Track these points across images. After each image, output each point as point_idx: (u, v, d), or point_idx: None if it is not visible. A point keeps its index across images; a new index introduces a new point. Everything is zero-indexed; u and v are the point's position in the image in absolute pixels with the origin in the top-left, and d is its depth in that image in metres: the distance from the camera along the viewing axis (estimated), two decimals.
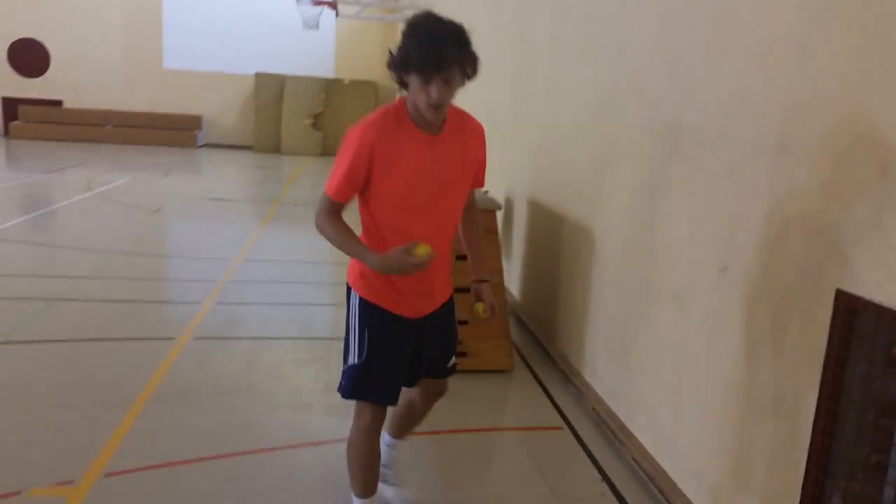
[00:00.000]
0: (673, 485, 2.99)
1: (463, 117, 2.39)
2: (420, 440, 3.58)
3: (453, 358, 2.63)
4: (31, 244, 7.46)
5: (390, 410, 2.57)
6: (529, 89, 5.65)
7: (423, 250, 2.13)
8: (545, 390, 4.23)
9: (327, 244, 2.33)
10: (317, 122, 20.60)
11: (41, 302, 5.31)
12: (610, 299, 3.80)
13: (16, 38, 20.61)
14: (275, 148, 20.53)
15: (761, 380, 2.45)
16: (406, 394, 2.63)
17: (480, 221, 2.70)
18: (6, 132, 20.67)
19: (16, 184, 11.64)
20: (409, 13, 13.82)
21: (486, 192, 4.73)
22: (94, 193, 10.68)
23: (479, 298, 2.56)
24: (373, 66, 21.53)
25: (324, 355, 4.57)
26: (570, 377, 4.26)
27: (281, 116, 20.49)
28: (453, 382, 4.24)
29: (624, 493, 3.12)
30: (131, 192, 11.11)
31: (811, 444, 2.15)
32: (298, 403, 3.89)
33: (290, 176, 15.20)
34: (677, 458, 3.02)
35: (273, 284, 6.33)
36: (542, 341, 4.88)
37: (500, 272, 4.36)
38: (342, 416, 3.84)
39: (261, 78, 20.51)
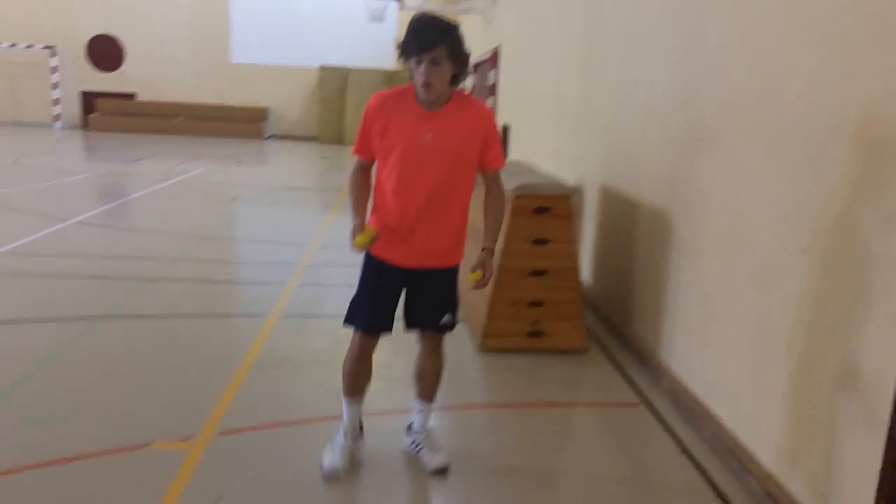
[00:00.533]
0: (752, 456, 3.10)
1: (469, 102, 2.74)
2: (500, 413, 3.78)
3: (448, 317, 2.95)
4: (121, 229, 7.94)
5: (412, 376, 3.12)
6: (602, 78, 5.75)
7: (361, 238, 2.62)
8: (620, 369, 4.36)
9: None
10: None
11: (138, 282, 5.69)
12: (688, 281, 3.91)
13: (93, 35, 21.56)
14: (338, 139, 21.01)
15: (841, 355, 2.55)
16: (417, 360, 3.09)
17: (502, 203, 2.90)
18: (85, 124, 21.69)
19: (100, 173, 12.27)
20: (471, 4, 13.98)
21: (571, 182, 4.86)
22: (173, 182, 11.21)
23: (477, 266, 2.76)
24: None
25: (402, 335, 4.79)
26: (645, 357, 4.39)
27: (344, 108, 20.94)
28: (529, 360, 4.46)
29: (703, 464, 3.24)
30: (207, 181, 11.61)
31: (892, 415, 2.25)
32: (384, 375, 4.11)
33: None
34: (756, 431, 3.13)
35: (350, 268, 6.59)
36: (615, 324, 5.01)
37: (575, 257, 4.49)
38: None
39: (325, 71, 20.99)
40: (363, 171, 2.84)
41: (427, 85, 2.54)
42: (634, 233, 4.75)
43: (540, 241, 4.40)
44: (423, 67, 2.51)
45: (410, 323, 2.97)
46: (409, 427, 3.20)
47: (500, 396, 4.01)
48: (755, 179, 3.22)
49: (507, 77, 11.66)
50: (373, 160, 2.80)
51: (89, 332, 4.54)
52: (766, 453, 3.02)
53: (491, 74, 12.47)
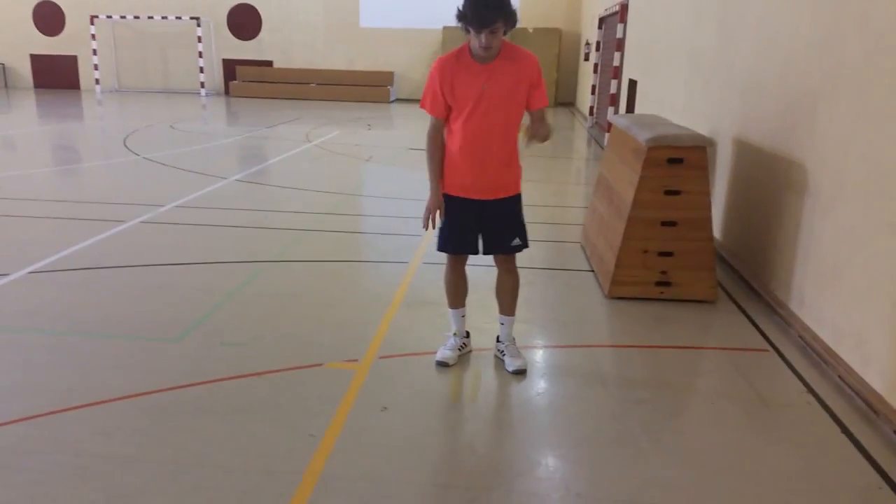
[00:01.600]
0: (881, 398, 3.22)
1: (516, 51, 3.21)
2: (628, 352, 4.05)
3: (516, 240, 3.48)
4: (274, 186, 8.70)
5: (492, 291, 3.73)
6: (740, 26, 5.72)
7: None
8: (749, 319, 4.49)
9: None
10: None
11: (296, 231, 6.34)
12: (821, 231, 3.98)
13: (233, 5, 22.86)
14: None
15: None
16: (497, 280, 3.69)
17: (548, 128, 3.40)
18: (227, 91, 23.19)
19: (246, 136, 13.28)
20: None
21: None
22: (313, 144, 12.00)
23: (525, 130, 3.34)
24: (556, 13, 21.56)
25: (536, 280, 5.13)
26: (774, 307, 4.49)
27: None
28: (657, 308, 4.67)
29: (830, 404, 3.39)
30: (343, 143, 12.32)
31: None
32: (519, 317, 4.47)
33: None
34: (885, 375, 3.23)
35: None
36: (745, 276, 5.10)
37: (708, 207, 4.62)
38: (554, 328, 4.41)
39: (448, 31, 21.26)
40: (437, 132, 3.36)
41: (487, 48, 3.07)
42: (768, 185, 4.80)
43: (672, 192, 4.57)
44: (483, 38, 3.03)
45: (487, 249, 3.52)
46: (497, 338, 3.80)
47: (627, 338, 4.27)
48: (893, 127, 3.26)
49: (635, 31, 11.52)
50: (445, 118, 3.31)
51: (262, 273, 5.18)
52: None
53: (619, 28, 12.34)
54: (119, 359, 3.70)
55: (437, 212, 3.41)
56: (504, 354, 3.72)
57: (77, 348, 3.82)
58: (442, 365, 3.64)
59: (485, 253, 3.53)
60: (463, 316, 3.75)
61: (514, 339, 3.77)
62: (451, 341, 3.74)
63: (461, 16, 3.05)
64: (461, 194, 3.39)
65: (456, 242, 3.52)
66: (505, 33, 3.12)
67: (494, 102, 3.19)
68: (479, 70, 3.17)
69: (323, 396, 3.33)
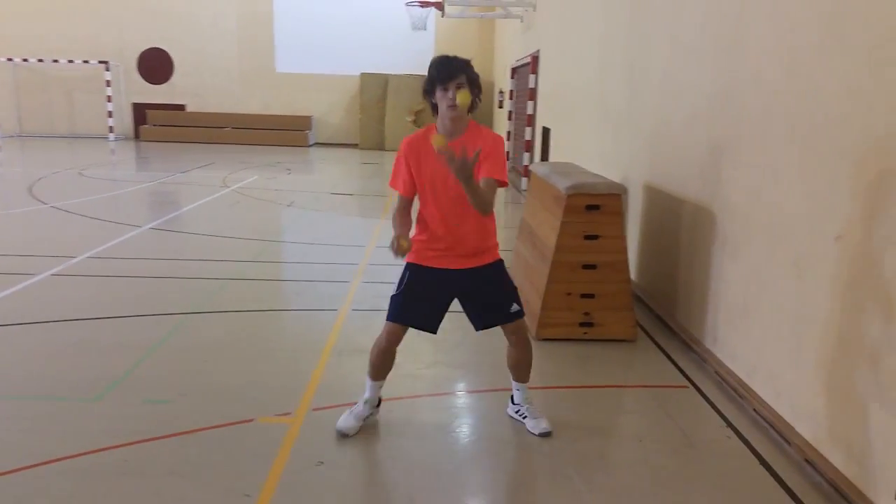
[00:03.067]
0: (792, 429, 3.43)
1: (482, 130, 3.21)
2: (556, 393, 4.16)
3: (514, 306, 3.37)
4: (191, 234, 8.50)
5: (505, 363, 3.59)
6: (645, 81, 6.09)
7: (404, 243, 3.04)
8: (668, 356, 4.70)
9: None
10: (418, 118, 21.44)
11: (218, 281, 6.21)
12: (730, 272, 4.24)
13: (144, 48, 22.42)
14: (379, 145, 21.53)
15: (875, 333, 2.88)
16: (508, 352, 3.54)
17: (489, 200, 3.12)
18: (137, 135, 22.57)
19: (159, 182, 12.94)
20: (511, 9, 14.29)
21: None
22: (231, 190, 11.81)
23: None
24: (471, 61, 22.16)
25: (466, 324, 5.20)
26: (690, 345, 4.72)
27: (384, 114, 21.46)
28: (581, 348, 4.80)
29: (748, 437, 3.58)
30: (262, 188, 12.19)
31: None
32: (454, 361, 4.54)
33: None
34: (795, 406, 3.46)
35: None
36: (661, 315, 5.35)
37: (624, 251, 4.84)
38: (489, 371, 4.50)
39: (366, 77, 21.54)
40: (405, 210, 3.27)
41: (453, 107, 3.04)
42: (678, 228, 5.08)
43: (591, 237, 4.77)
44: (450, 92, 3.03)
45: (485, 324, 3.41)
46: (512, 399, 3.67)
47: (556, 379, 4.38)
48: (793, 175, 3.55)
49: (546, 81, 12.01)
50: (413, 196, 3.26)
51: (184, 325, 5.04)
52: (806, 425, 3.35)
53: (531, 78, 12.82)
54: (35, 421, 3.51)
55: (400, 241, 3.06)
56: (525, 417, 3.57)
57: None
58: (342, 436, 3.40)
59: (485, 327, 3.42)
60: (380, 386, 3.54)
61: (531, 400, 3.62)
62: (360, 408, 3.50)
63: (428, 81, 3.08)
64: (434, 264, 3.28)
65: (413, 314, 3.34)
66: (472, 108, 3.13)
67: (448, 178, 3.07)
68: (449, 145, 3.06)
69: (256, 453, 3.26)
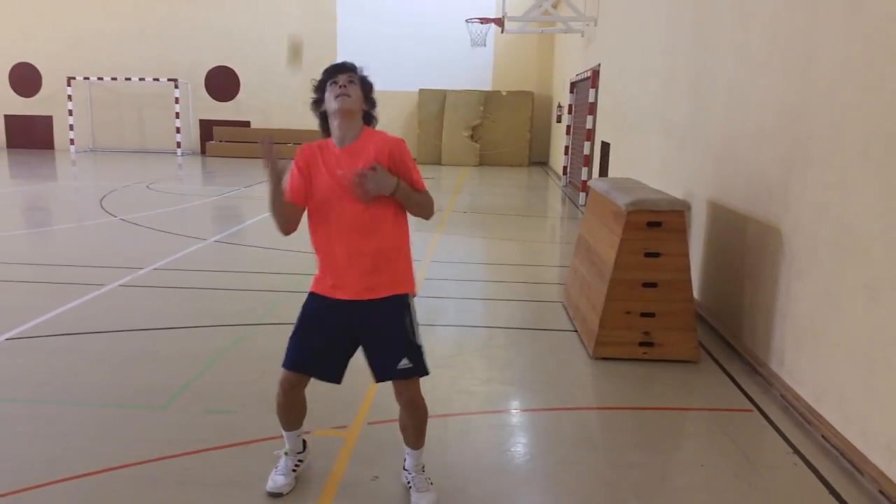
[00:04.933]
0: (864, 458, 3.28)
1: (377, 134, 2.88)
2: (615, 414, 4.07)
3: (404, 361, 2.85)
4: (253, 247, 8.70)
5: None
6: (710, 95, 5.96)
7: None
8: (732, 379, 4.55)
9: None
10: (475, 133, 21.51)
11: (277, 294, 6.33)
12: (799, 293, 4.09)
13: (211, 67, 23.17)
14: (436, 159, 21.67)
15: None
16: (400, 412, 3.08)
17: (427, 206, 2.95)
18: (203, 151, 23.29)
19: (224, 196, 13.30)
20: (571, 24, 14.22)
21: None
22: None
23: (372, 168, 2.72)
24: (529, 76, 22.17)
25: (520, 340, 5.17)
26: (755, 367, 4.57)
27: (442, 129, 21.60)
28: (641, 368, 4.72)
29: (815, 464, 3.43)
30: None
31: None
32: (508, 379, 4.50)
33: (454, 185, 16.07)
34: (867, 433, 3.30)
35: (461, 282, 7.06)
36: (725, 336, 5.19)
37: (687, 269, 4.73)
38: (543, 390, 4.42)
39: (424, 93, 21.73)
40: (288, 221, 2.85)
41: (344, 94, 2.72)
42: (744, 247, 4.94)
43: (652, 254, 4.67)
44: (339, 83, 2.74)
45: (375, 373, 2.97)
46: (404, 463, 3.16)
47: (614, 400, 4.30)
48: (866, 192, 3.41)
49: (607, 95, 11.89)
50: (302, 205, 2.82)
51: (246, 336, 5.15)
52: (880, 455, 3.19)
53: (591, 92, 12.72)
54: (101, 428, 3.63)
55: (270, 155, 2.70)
56: (410, 487, 3.06)
57: (57, 418, 3.74)
58: (274, 496, 3.03)
59: (376, 379, 2.99)
60: (299, 435, 3.18)
61: (423, 467, 3.10)
62: (283, 463, 3.13)
63: (318, 86, 2.84)
64: (326, 293, 2.88)
65: (303, 357, 2.93)
66: (367, 117, 2.87)
67: (351, 187, 2.72)
68: (336, 155, 2.79)
69: (312, 466, 3.29)
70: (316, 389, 4.17)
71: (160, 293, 6.26)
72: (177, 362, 4.56)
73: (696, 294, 5.95)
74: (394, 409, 3.87)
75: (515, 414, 4.05)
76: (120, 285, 6.41)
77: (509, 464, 3.44)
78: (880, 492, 3.09)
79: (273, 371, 4.45)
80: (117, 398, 4.01)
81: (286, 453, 3.16)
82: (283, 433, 3.15)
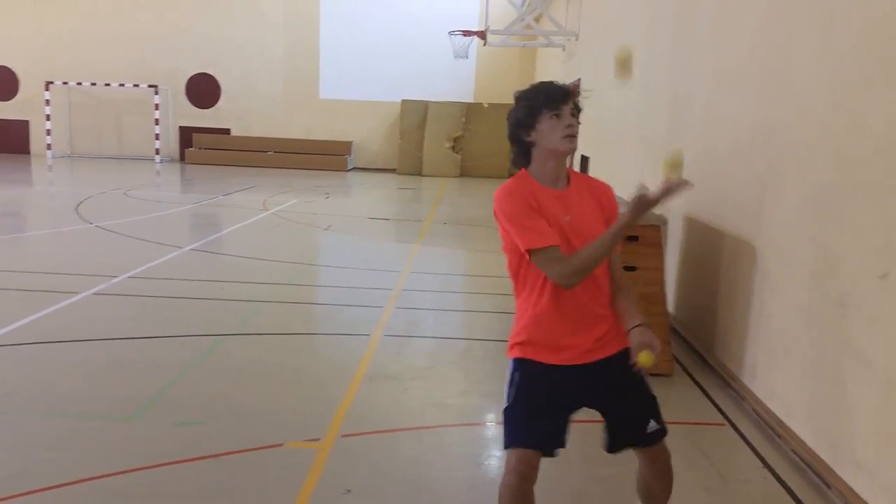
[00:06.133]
0: (831, 471, 3.30)
1: (585, 177, 2.53)
2: (587, 427, 4.07)
3: (651, 423, 2.48)
4: (230, 256, 8.64)
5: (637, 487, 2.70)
6: (687, 111, 6.03)
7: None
8: (704, 392, 4.58)
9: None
10: (456, 145, 21.57)
11: (254, 304, 6.28)
12: (771, 308, 4.13)
13: (193, 74, 23.05)
14: (416, 170, 21.66)
15: None
16: (640, 475, 2.66)
17: (627, 282, 2.52)
18: (182, 158, 23.12)
19: (202, 204, 13.20)
20: (553, 38, 14.33)
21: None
22: (270, 213, 11.99)
23: (642, 346, 2.26)
24: (511, 89, 22.24)
25: (498, 353, 5.16)
26: (728, 381, 4.60)
27: (423, 140, 21.63)
28: None
29: (785, 478, 3.46)
30: (301, 212, 12.35)
31: None
32: (485, 391, 4.49)
33: (435, 197, 16.09)
34: (836, 448, 3.33)
35: (440, 293, 7.05)
36: (698, 350, 5.23)
37: (662, 283, 4.76)
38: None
39: (406, 104, 21.75)
40: (565, 258, 2.30)
41: (573, 136, 2.32)
42: (719, 262, 4.98)
43: (629, 268, 4.69)
44: (565, 116, 2.29)
45: (619, 444, 2.55)
46: None
47: (588, 413, 4.29)
48: (838, 211, 3.46)
49: (586, 109, 11.94)
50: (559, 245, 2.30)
51: (218, 346, 5.10)
52: (846, 468, 3.22)
53: None
54: (69, 440, 3.57)
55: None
56: None
57: (24, 429, 3.68)
58: None
59: (613, 450, 2.57)
60: None
61: None
62: None
63: (528, 109, 2.33)
64: (552, 360, 2.40)
65: (541, 431, 2.38)
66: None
67: (580, 236, 2.31)
68: (555, 196, 2.35)
69: (283, 479, 3.25)
70: (288, 400, 4.15)
71: (134, 302, 6.19)
72: (147, 373, 4.50)
73: (671, 308, 5.99)
74: (367, 422, 3.87)
75: (491, 427, 4.03)
76: (93, 293, 6.32)
77: (484, 477, 3.42)
78: None
79: (246, 383, 4.43)
80: (84, 409, 3.94)
81: None
82: None
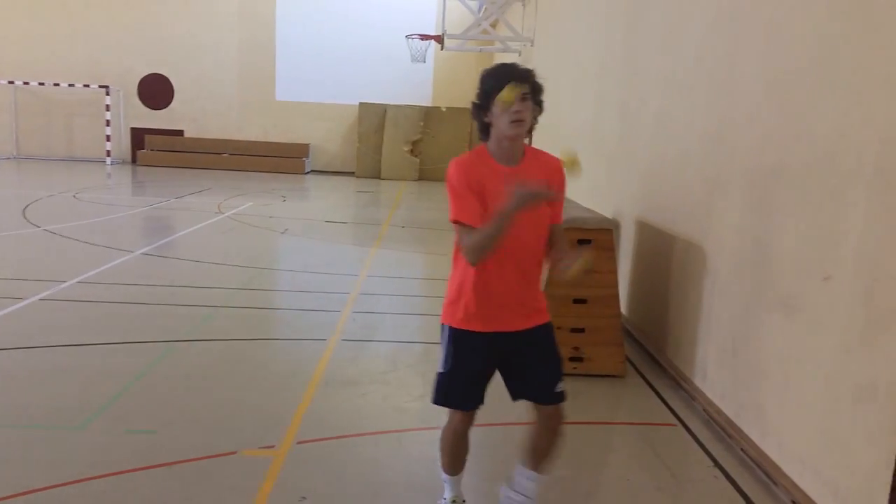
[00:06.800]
0: (779, 469, 3.41)
1: (540, 153, 2.65)
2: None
3: (559, 385, 2.71)
4: (183, 260, 8.48)
5: (522, 443, 2.89)
6: (639, 117, 6.15)
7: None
8: (657, 393, 4.67)
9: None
10: (414, 148, 21.58)
11: (207, 308, 6.18)
12: (720, 310, 4.24)
13: (145, 74, 22.59)
14: (375, 173, 21.62)
15: (859, 373, 2.87)
16: (530, 428, 2.85)
17: (566, 242, 2.72)
18: (134, 160, 22.65)
19: (154, 206, 12.95)
20: (509, 44, 14.47)
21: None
22: (225, 216, 11.82)
23: (576, 258, 2.49)
24: (468, 93, 22.34)
25: None
26: (680, 382, 4.70)
27: (382, 143, 21.58)
28: (569, 383, 4.74)
29: (735, 477, 3.55)
30: (257, 215, 12.20)
31: None
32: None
33: (393, 200, 16.08)
34: (782, 446, 3.43)
35: (397, 297, 7.04)
36: (650, 351, 5.33)
37: (615, 286, 4.85)
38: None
39: (364, 107, 21.69)
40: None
41: (521, 120, 2.45)
42: (670, 264, 5.09)
43: (582, 301, 4.77)
44: (516, 103, 2.43)
45: (517, 394, 2.76)
46: (513, 486, 2.93)
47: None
48: (782, 214, 3.57)
49: (542, 115, 12.09)
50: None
51: (171, 353, 5.00)
52: (793, 466, 3.32)
53: None
54: (16, 450, 3.47)
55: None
56: None
57: None
58: None
59: (515, 399, 2.77)
60: (460, 479, 2.98)
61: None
62: None
63: (485, 92, 2.48)
64: (480, 328, 2.61)
65: (463, 394, 2.71)
66: (528, 132, 2.54)
67: (525, 213, 2.43)
68: (505, 173, 2.49)
69: (238, 487, 3.21)
70: (242, 407, 4.10)
71: (83, 307, 6.04)
72: (97, 380, 4.40)
73: (623, 310, 6.09)
74: (323, 428, 3.84)
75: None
76: (40, 299, 6.15)
77: (441, 481, 3.43)
78: (793, 502, 3.21)
79: (200, 389, 4.36)
80: (32, 418, 3.83)
81: (454, 502, 2.96)
82: (447, 479, 2.95)
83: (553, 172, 2.61)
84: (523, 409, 2.90)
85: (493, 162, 2.55)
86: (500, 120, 2.47)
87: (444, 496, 2.99)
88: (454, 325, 2.65)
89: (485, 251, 2.44)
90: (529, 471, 2.86)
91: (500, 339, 2.63)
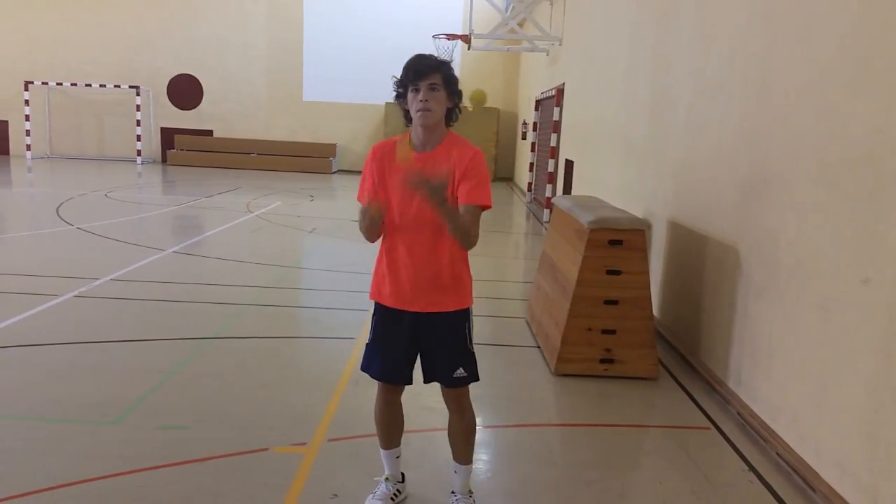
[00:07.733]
0: (817, 475, 3.34)
1: (459, 142, 2.73)
2: (575, 431, 4.09)
3: (460, 370, 2.84)
4: (213, 258, 8.57)
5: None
6: (670, 117, 6.07)
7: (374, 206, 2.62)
8: (690, 396, 4.61)
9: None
10: None
11: (237, 306, 6.23)
12: (755, 312, 4.17)
13: (174, 74, 22.89)
14: None
15: None
16: (449, 420, 3.02)
17: (471, 235, 2.65)
18: (164, 159, 22.95)
19: (185, 205, 13.10)
20: (537, 43, 14.40)
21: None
22: (254, 215, 11.92)
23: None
24: (495, 93, 22.34)
25: (483, 356, 5.15)
26: (713, 385, 4.63)
27: None
28: (601, 385, 4.73)
29: (770, 482, 3.48)
30: (285, 214, 12.30)
31: None
32: (472, 394, 4.47)
33: None
34: (820, 451, 3.36)
35: None
36: (683, 354, 5.26)
37: (647, 287, 4.79)
38: (505, 406, 4.42)
39: (391, 107, 21.69)
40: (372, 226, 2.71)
41: (426, 109, 2.59)
42: (703, 266, 5.02)
43: (613, 272, 4.73)
44: (421, 93, 2.58)
45: (429, 377, 2.91)
46: (452, 492, 3.08)
47: (575, 417, 4.32)
48: (819, 216, 3.50)
49: (571, 114, 12.04)
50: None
51: (202, 350, 5.05)
52: (831, 472, 3.25)
53: (555, 111, 12.87)
54: (51, 444, 3.52)
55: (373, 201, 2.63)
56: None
57: (6, 433, 3.62)
58: None
59: (426, 381, 2.92)
60: (398, 457, 3.11)
61: (470, 491, 3.07)
62: (382, 488, 3.07)
63: (399, 83, 2.66)
64: (391, 304, 2.79)
65: (381, 366, 2.88)
66: (449, 115, 2.70)
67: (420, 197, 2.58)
68: (419, 159, 2.68)
69: (269, 484, 3.23)
70: (273, 404, 4.12)
71: (116, 305, 6.12)
72: (131, 376, 4.45)
73: (655, 312, 6.02)
74: (353, 426, 3.85)
75: (477, 430, 4.02)
76: (75, 296, 6.25)
77: (472, 481, 3.41)
78: None
79: (231, 387, 4.39)
80: (67, 413, 3.89)
81: (387, 479, 3.11)
82: (382, 453, 3.12)
83: (459, 161, 2.67)
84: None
85: (409, 147, 2.73)
86: (411, 108, 2.65)
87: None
88: (372, 299, 2.88)
89: (366, 232, 2.70)
90: (455, 463, 3.04)
91: (409, 318, 2.79)
